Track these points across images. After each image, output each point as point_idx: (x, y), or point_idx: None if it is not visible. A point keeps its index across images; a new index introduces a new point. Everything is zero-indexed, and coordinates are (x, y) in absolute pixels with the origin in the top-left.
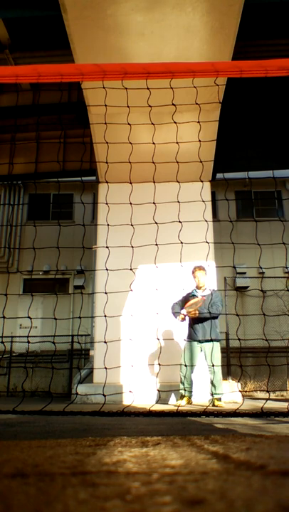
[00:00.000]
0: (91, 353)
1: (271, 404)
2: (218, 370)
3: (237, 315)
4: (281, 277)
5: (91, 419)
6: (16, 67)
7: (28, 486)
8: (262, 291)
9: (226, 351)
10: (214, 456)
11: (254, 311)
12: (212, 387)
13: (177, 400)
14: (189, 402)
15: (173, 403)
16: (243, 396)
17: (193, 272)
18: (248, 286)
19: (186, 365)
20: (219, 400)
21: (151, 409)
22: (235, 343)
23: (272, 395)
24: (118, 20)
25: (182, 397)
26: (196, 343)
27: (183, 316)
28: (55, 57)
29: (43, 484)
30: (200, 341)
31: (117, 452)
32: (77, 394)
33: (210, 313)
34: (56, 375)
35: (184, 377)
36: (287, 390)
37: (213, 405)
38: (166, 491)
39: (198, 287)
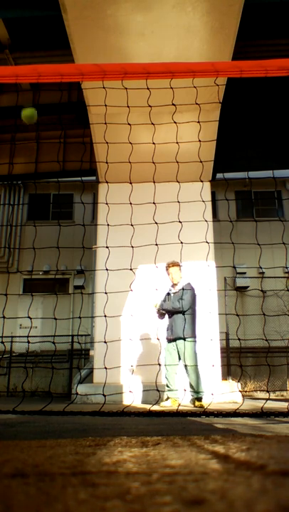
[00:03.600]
0: (91, 353)
1: (271, 404)
2: (193, 369)
3: (237, 315)
4: (281, 277)
5: (91, 419)
6: (16, 67)
7: (28, 486)
8: (262, 291)
9: (226, 351)
10: (214, 456)
11: (254, 311)
12: (190, 387)
13: (164, 401)
14: (175, 404)
15: (167, 405)
16: (243, 396)
17: (166, 269)
18: (248, 286)
19: (165, 365)
20: (199, 400)
21: (151, 409)
22: (235, 343)
23: (272, 395)
24: (118, 20)
25: (167, 398)
26: (171, 342)
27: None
28: (55, 57)
29: (43, 484)
30: (173, 340)
31: (117, 452)
32: (77, 394)
33: (173, 308)
34: (56, 375)
35: (166, 378)
36: (287, 390)
37: (194, 406)
38: (166, 491)
39: (172, 284)
